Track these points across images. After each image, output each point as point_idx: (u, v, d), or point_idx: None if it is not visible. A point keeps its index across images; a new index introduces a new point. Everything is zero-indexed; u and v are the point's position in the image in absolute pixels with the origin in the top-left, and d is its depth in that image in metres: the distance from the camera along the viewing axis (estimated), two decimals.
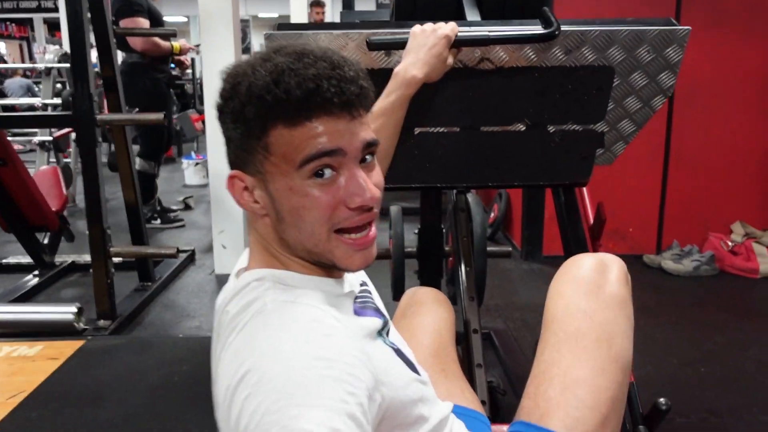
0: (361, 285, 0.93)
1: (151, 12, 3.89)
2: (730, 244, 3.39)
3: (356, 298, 0.88)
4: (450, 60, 1.32)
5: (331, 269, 0.83)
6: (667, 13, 3.35)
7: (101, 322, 2.58)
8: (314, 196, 0.75)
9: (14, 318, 2.52)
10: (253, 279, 0.80)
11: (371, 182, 0.78)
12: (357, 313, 0.86)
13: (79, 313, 1.47)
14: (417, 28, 1.31)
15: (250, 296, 0.77)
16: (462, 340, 1.52)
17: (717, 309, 2.91)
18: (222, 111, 0.79)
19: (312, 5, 6.93)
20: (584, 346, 1.02)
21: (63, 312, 2.33)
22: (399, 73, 1.27)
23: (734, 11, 3.23)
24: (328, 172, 0.75)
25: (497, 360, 2.27)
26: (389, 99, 1.27)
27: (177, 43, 4.00)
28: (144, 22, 3.80)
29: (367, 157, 0.79)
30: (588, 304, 1.07)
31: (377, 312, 0.90)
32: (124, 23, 3.73)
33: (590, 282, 1.09)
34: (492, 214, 4.07)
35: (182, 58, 4.62)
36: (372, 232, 0.81)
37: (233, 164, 0.81)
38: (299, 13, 7.84)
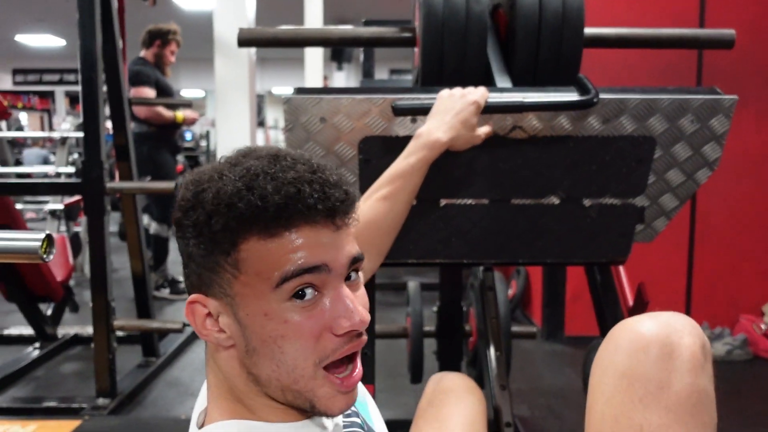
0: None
1: (158, 83, 4.02)
2: (763, 327, 3.22)
3: None
4: (482, 131, 1.24)
5: (306, 412, 0.70)
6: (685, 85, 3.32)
7: (100, 401, 2.43)
8: (295, 322, 0.63)
9: None
10: None
11: (359, 303, 0.67)
12: None
13: (49, 242, 1.28)
14: (445, 92, 1.24)
15: None
16: None
17: (755, 398, 2.72)
18: (180, 224, 0.67)
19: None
20: None
21: (30, 239, 1.91)
22: (422, 134, 1.19)
23: (755, 86, 3.19)
24: (309, 292, 0.64)
25: None
26: (408, 160, 1.18)
27: (181, 114, 4.05)
28: (149, 92, 3.93)
29: (352, 274, 0.68)
30: (647, 417, 0.74)
31: None
32: (130, 94, 3.85)
33: (650, 380, 0.75)
34: (510, 291, 3.94)
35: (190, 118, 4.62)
36: (358, 369, 0.69)
37: (194, 287, 0.69)
38: None
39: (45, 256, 1.41)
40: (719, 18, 3.23)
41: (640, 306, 1.51)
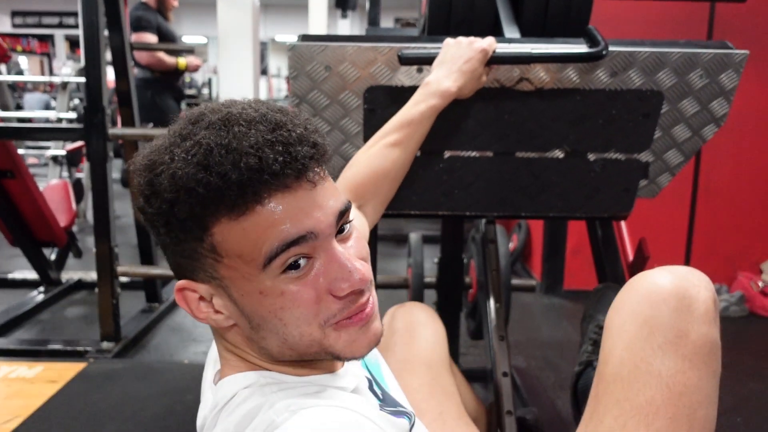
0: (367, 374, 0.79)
1: (160, 29, 3.96)
2: (760, 284, 3.25)
3: (371, 390, 0.75)
4: (484, 78, 1.22)
5: (325, 363, 0.69)
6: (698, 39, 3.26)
7: (104, 344, 2.48)
8: (292, 292, 0.60)
9: None
10: (240, 387, 0.64)
11: (356, 258, 0.63)
12: (382, 408, 0.73)
13: None
14: (450, 39, 1.21)
15: (244, 408, 0.61)
16: (490, 383, 1.40)
17: (749, 353, 2.76)
18: (145, 213, 0.62)
19: None
20: (657, 428, 0.76)
21: None
22: (431, 82, 1.17)
23: (766, 41, 3.13)
24: (301, 261, 0.60)
25: (520, 402, 2.14)
26: (418, 108, 1.16)
27: (183, 60, 4.00)
28: (151, 38, 3.87)
29: (345, 226, 0.64)
30: (665, 363, 0.78)
31: (399, 407, 0.77)
32: (131, 39, 3.77)
33: (669, 329, 0.79)
34: (511, 244, 3.95)
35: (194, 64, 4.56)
36: (372, 301, 0.66)
37: (178, 273, 0.65)
38: None
39: None
40: None
41: (640, 261, 1.52)
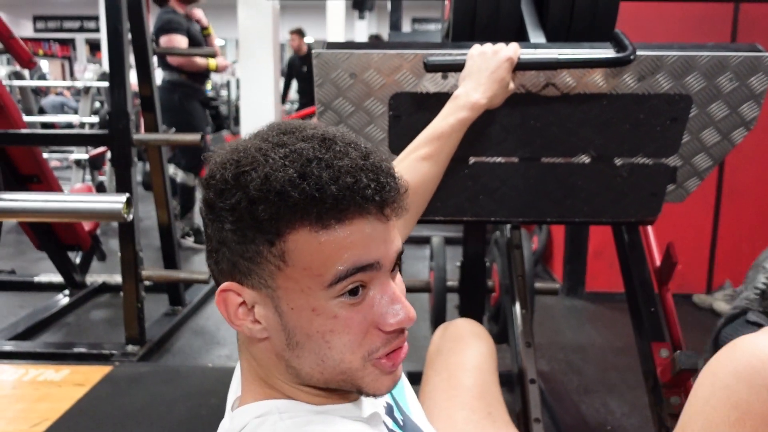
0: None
1: (190, 32, 3.99)
2: None
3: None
4: (512, 85, 1.22)
5: (347, 394, 0.68)
6: (721, 41, 3.22)
7: (130, 348, 2.50)
8: (344, 317, 0.60)
9: (63, 206, 2.04)
10: (252, 417, 0.64)
11: (403, 296, 0.64)
12: None
13: (128, 203, 1.38)
14: (475, 49, 1.20)
15: None
16: (516, 388, 1.40)
17: None
18: (213, 206, 0.61)
19: (292, 32, 6.75)
20: None
21: (113, 201, 1.91)
22: (460, 96, 1.17)
23: None
24: (360, 289, 0.61)
25: (543, 406, 2.13)
26: (447, 121, 1.16)
27: (214, 62, 4.03)
28: (181, 40, 3.90)
29: (395, 267, 0.65)
30: None
31: None
32: (162, 41, 3.84)
33: (763, 421, 0.68)
34: (532, 246, 3.93)
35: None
36: (405, 346, 0.66)
37: (224, 274, 0.64)
38: (335, 37, 7.85)
39: (126, 215, 1.46)
40: None
41: (669, 267, 1.51)
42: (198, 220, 4.48)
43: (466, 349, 1.18)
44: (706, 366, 0.76)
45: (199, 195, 4.68)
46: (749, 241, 3.34)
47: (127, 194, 1.40)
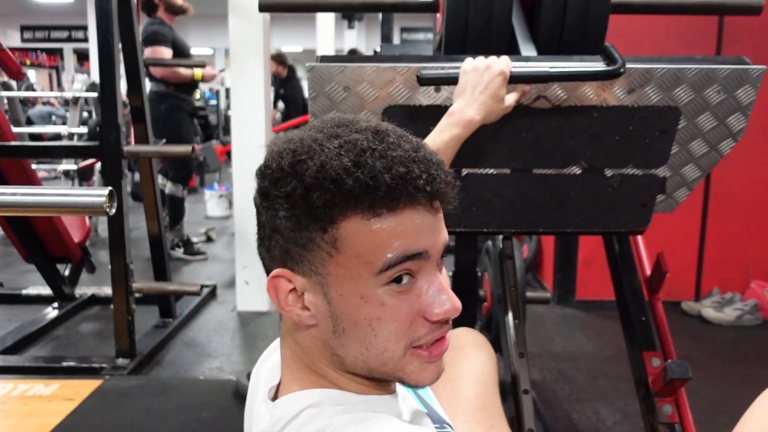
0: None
1: (175, 42, 3.97)
2: None
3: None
4: (510, 100, 1.22)
5: (387, 383, 0.70)
6: (706, 52, 3.26)
7: (120, 361, 2.49)
8: (391, 306, 0.62)
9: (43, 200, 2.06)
10: (305, 405, 0.65)
11: (449, 287, 0.66)
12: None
13: (111, 197, 1.36)
14: (468, 64, 1.21)
15: (310, 429, 0.63)
16: (509, 399, 1.40)
17: (765, 363, 2.74)
18: (267, 194, 0.64)
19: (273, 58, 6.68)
20: None
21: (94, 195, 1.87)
22: (455, 112, 1.18)
23: None
24: (406, 277, 0.62)
25: (536, 415, 2.13)
26: (442, 137, 1.17)
27: (200, 72, 4.01)
28: (165, 51, 3.88)
29: (441, 260, 0.67)
30: None
31: (445, 425, 0.78)
32: (146, 53, 3.82)
33: None
34: (522, 255, 3.95)
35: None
36: (447, 338, 0.67)
37: (275, 260, 0.66)
38: (325, 46, 7.87)
39: (109, 209, 1.45)
40: None
41: (659, 276, 1.52)
42: (187, 231, 4.47)
43: (466, 360, 1.18)
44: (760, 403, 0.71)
45: (188, 206, 4.68)
46: (736, 250, 3.38)
47: (110, 188, 1.39)
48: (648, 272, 1.61)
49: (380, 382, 0.69)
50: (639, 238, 1.68)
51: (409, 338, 0.63)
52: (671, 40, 3.15)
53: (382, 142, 0.62)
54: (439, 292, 0.63)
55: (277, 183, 0.63)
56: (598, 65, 1.25)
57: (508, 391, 1.41)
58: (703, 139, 1.35)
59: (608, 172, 1.37)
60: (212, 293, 3.52)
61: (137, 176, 3.10)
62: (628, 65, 1.25)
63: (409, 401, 0.75)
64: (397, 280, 0.62)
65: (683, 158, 1.37)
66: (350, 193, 0.59)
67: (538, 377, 2.49)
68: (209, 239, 4.87)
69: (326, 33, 7.89)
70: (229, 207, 5.59)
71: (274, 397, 0.72)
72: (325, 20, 7.77)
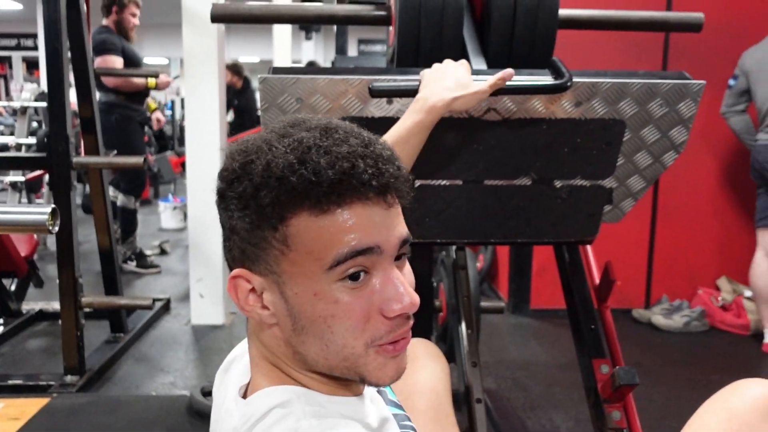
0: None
1: (125, 51, 3.91)
2: (720, 300, 3.34)
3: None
4: (490, 80, 1.18)
5: (352, 383, 0.70)
6: (653, 67, 3.37)
7: (68, 378, 2.41)
8: (345, 302, 0.62)
9: None
10: (274, 404, 0.65)
11: (408, 283, 0.66)
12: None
13: (53, 214, 1.32)
14: (427, 70, 1.21)
15: (280, 427, 0.63)
16: (463, 407, 1.41)
17: (712, 368, 2.83)
18: (224, 195, 0.65)
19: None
20: None
21: (37, 212, 1.77)
22: (419, 99, 1.16)
23: (718, 67, 3.25)
24: (361, 274, 0.62)
25: (490, 423, 2.15)
26: (405, 123, 1.16)
27: (153, 80, 3.95)
28: (116, 60, 3.82)
29: (402, 255, 0.67)
30: None
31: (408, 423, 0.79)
32: (96, 62, 3.74)
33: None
34: (478, 265, 3.99)
35: (157, 116, 4.56)
36: (409, 335, 0.67)
37: (236, 261, 0.67)
38: (282, 57, 7.85)
39: (51, 227, 1.41)
40: None
41: (607, 285, 1.56)
42: (141, 243, 4.38)
43: (420, 371, 1.18)
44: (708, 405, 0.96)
45: (142, 218, 4.58)
46: (684, 258, 3.48)
47: (53, 206, 1.36)
48: (597, 281, 1.65)
49: (344, 381, 0.69)
50: (588, 247, 1.72)
51: (369, 336, 0.64)
52: (621, 54, 3.24)
53: (329, 138, 0.62)
54: (395, 288, 0.64)
55: (231, 184, 0.64)
56: (546, 79, 1.28)
57: (462, 401, 1.43)
58: (647, 151, 1.39)
59: (557, 183, 1.40)
60: (166, 307, 3.46)
61: (88, 188, 3.02)
62: (575, 79, 1.28)
63: (378, 403, 0.75)
64: (353, 277, 0.62)
65: (629, 169, 1.41)
66: (294, 190, 0.60)
67: (493, 386, 2.51)
68: (163, 252, 4.78)
69: (283, 44, 7.87)
70: (184, 219, 5.50)
71: (245, 395, 0.72)
72: (282, 31, 7.76)
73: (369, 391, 0.76)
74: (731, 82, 3.06)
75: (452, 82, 1.17)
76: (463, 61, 1.22)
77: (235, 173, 0.63)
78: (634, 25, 1.58)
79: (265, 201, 0.61)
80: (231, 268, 0.68)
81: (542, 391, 2.50)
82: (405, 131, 1.15)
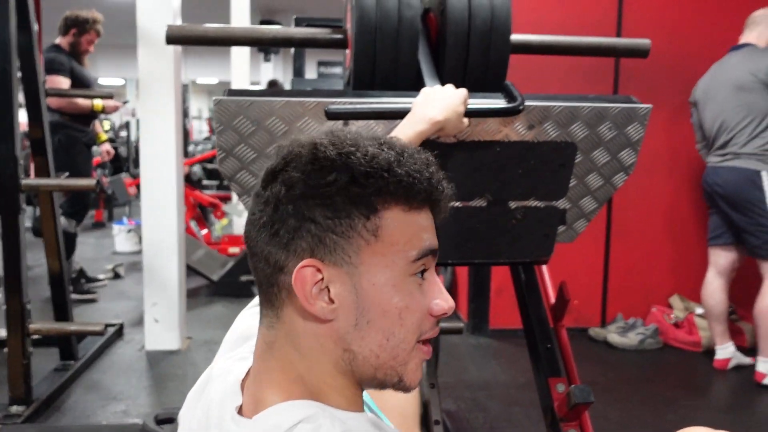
0: None
1: (74, 72, 3.82)
2: (673, 317, 3.42)
3: None
4: (466, 121, 1.26)
5: (359, 399, 0.69)
6: (605, 90, 3.47)
7: (14, 408, 2.32)
8: (416, 296, 0.65)
9: None
10: (300, 418, 0.62)
11: None
12: None
13: None
14: (427, 88, 1.25)
15: None
16: (422, 429, 1.41)
17: (665, 385, 2.88)
18: (293, 185, 0.64)
19: None
20: None
21: None
22: (416, 111, 1.20)
23: (667, 90, 3.36)
24: (425, 272, 0.66)
25: None
26: (405, 134, 1.17)
27: (99, 102, 3.88)
28: (62, 81, 3.73)
29: None
30: None
31: None
32: None
33: None
34: None
35: (107, 149, 4.48)
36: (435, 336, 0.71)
37: (300, 252, 0.64)
38: (240, 79, 7.82)
39: None
40: (636, 23, 3.39)
41: (562, 304, 1.58)
42: (93, 267, 4.27)
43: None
44: None
45: (95, 241, 4.46)
46: (638, 277, 3.56)
47: None
48: (553, 300, 1.67)
49: (359, 393, 0.69)
50: (544, 267, 1.75)
51: (420, 331, 0.66)
52: (575, 78, 3.32)
53: (405, 150, 0.66)
54: (441, 290, 0.68)
55: (318, 173, 0.63)
56: (499, 102, 1.31)
57: (420, 423, 1.42)
58: (598, 173, 1.43)
59: (512, 205, 1.42)
60: (119, 332, 3.37)
61: (38, 211, 2.93)
62: (528, 102, 1.30)
63: (380, 423, 0.73)
64: (420, 273, 0.66)
65: (581, 191, 1.44)
66: (400, 182, 0.63)
67: (453, 407, 2.51)
68: (117, 276, 4.67)
69: (242, 65, 7.83)
70: (139, 242, 5.39)
71: (239, 412, 0.68)
72: (241, 53, 7.73)
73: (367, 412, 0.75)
74: (692, 118, 3.11)
75: (448, 103, 1.22)
76: (463, 90, 1.25)
77: (326, 161, 0.64)
78: (584, 50, 1.63)
79: (367, 190, 0.63)
80: (276, 264, 0.65)
81: (502, 411, 2.51)
82: (407, 141, 1.16)
